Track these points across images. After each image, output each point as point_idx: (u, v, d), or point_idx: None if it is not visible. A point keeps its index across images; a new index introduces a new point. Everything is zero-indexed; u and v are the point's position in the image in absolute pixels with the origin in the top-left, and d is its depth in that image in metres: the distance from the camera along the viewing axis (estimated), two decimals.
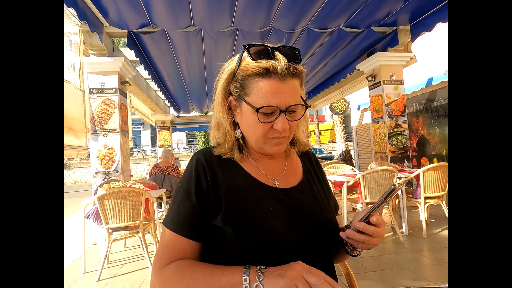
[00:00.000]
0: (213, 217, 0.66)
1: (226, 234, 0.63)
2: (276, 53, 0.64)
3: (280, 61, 0.62)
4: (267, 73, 0.62)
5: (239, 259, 0.61)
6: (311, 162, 0.84)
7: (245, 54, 0.65)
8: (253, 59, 0.63)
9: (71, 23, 3.70)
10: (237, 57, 0.68)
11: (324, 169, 0.87)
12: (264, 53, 0.63)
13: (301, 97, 0.68)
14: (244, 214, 0.64)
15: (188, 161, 0.74)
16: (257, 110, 0.63)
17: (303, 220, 0.68)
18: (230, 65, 0.69)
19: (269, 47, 0.64)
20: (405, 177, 0.62)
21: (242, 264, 0.59)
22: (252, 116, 0.65)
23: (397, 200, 3.76)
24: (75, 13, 3.06)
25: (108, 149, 4.05)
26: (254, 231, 0.63)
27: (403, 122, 4.73)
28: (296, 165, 0.80)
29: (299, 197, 0.71)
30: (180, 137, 24.73)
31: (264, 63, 0.62)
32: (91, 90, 4.04)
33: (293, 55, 0.64)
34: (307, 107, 0.69)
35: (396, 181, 0.58)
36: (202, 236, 0.66)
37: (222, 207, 0.65)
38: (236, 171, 0.71)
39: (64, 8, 3.39)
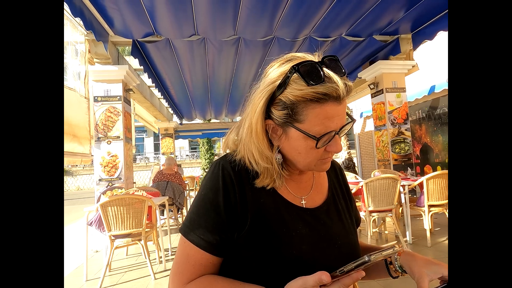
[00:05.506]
0: (236, 233, 0.63)
1: (248, 254, 0.61)
2: (327, 70, 0.57)
3: (338, 82, 0.57)
4: (325, 98, 0.56)
5: (259, 279, 0.60)
6: (337, 176, 0.80)
7: (293, 76, 0.58)
8: (308, 84, 0.56)
9: (77, 32, 3.77)
10: (273, 75, 0.61)
11: None
12: (317, 73, 0.56)
13: None
14: (269, 237, 0.62)
15: (210, 168, 0.68)
16: (318, 139, 0.58)
17: (329, 245, 0.66)
18: (267, 86, 0.61)
19: (316, 63, 0.58)
20: (383, 253, 0.48)
21: (260, 282, 0.59)
22: (305, 143, 0.60)
23: (401, 208, 3.73)
24: (81, 22, 3.12)
25: (112, 156, 4.07)
26: (279, 256, 0.60)
27: (405, 130, 4.73)
28: (323, 180, 0.76)
29: (325, 218, 0.69)
30: (183, 144, 24.80)
31: (324, 88, 0.56)
32: (96, 97, 4.09)
33: (339, 69, 0.59)
34: (354, 121, 0.64)
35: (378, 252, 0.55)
36: (225, 252, 0.64)
37: (247, 225, 0.62)
38: (263, 187, 0.66)
39: (71, 18, 3.46)
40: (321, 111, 0.57)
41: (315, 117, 0.58)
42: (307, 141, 0.60)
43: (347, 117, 0.63)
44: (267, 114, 0.63)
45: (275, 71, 0.62)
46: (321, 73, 0.56)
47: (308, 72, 0.57)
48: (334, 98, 0.57)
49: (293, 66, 0.58)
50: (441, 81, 4.99)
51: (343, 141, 9.87)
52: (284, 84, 0.58)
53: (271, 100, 0.61)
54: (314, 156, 0.62)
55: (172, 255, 3.55)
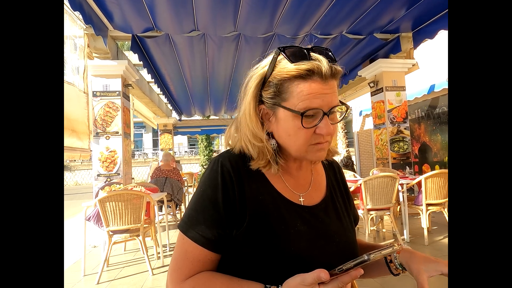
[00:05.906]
0: (235, 230, 0.63)
1: (247, 251, 0.62)
2: (313, 54, 0.60)
3: (322, 61, 0.59)
4: (309, 74, 0.58)
5: (257, 276, 0.60)
6: (335, 174, 0.81)
7: (279, 57, 0.61)
8: (291, 62, 0.59)
9: (76, 26, 3.75)
10: (265, 61, 0.64)
11: None
12: (302, 54, 0.60)
13: None
14: (268, 234, 0.62)
15: (209, 165, 0.68)
16: (302, 114, 0.58)
17: (327, 243, 0.66)
18: (259, 70, 0.64)
19: (303, 48, 0.61)
20: (381, 252, 0.50)
21: (258, 279, 0.59)
22: (293, 123, 0.61)
23: (399, 207, 3.74)
24: (80, 16, 3.10)
25: (110, 151, 4.06)
26: (277, 253, 0.61)
27: (405, 129, 4.73)
28: (321, 178, 0.77)
29: (323, 216, 0.69)
30: (181, 140, 24.75)
31: (306, 64, 0.58)
32: (95, 92, 4.07)
33: (328, 56, 0.61)
34: (348, 108, 0.65)
35: (371, 254, 0.55)
36: (223, 248, 0.64)
37: (246, 222, 0.62)
38: (262, 183, 0.67)
39: (70, 11, 3.43)
40: (304, 86, 0.59)
41: (299, 93, 0.59)
42: (294, 121, 0.60)
43: (341, 105, 0.63)
44: (260, 100, 0.65)
45: (267, 58, 0.65)
46: (306, 55, 0.60)
47: (293, 52, 0.60)
48: (318, 75, 0.58)
49: (278, 48, 0.61)
50: (441, 80, 4.99)
51: (342, 139, 9.87)
52: (271, 66, 0.61)
53: (263, 85, 0.64)
54: (303, 138, 0.61)
55: (170, 251, 3.56)
